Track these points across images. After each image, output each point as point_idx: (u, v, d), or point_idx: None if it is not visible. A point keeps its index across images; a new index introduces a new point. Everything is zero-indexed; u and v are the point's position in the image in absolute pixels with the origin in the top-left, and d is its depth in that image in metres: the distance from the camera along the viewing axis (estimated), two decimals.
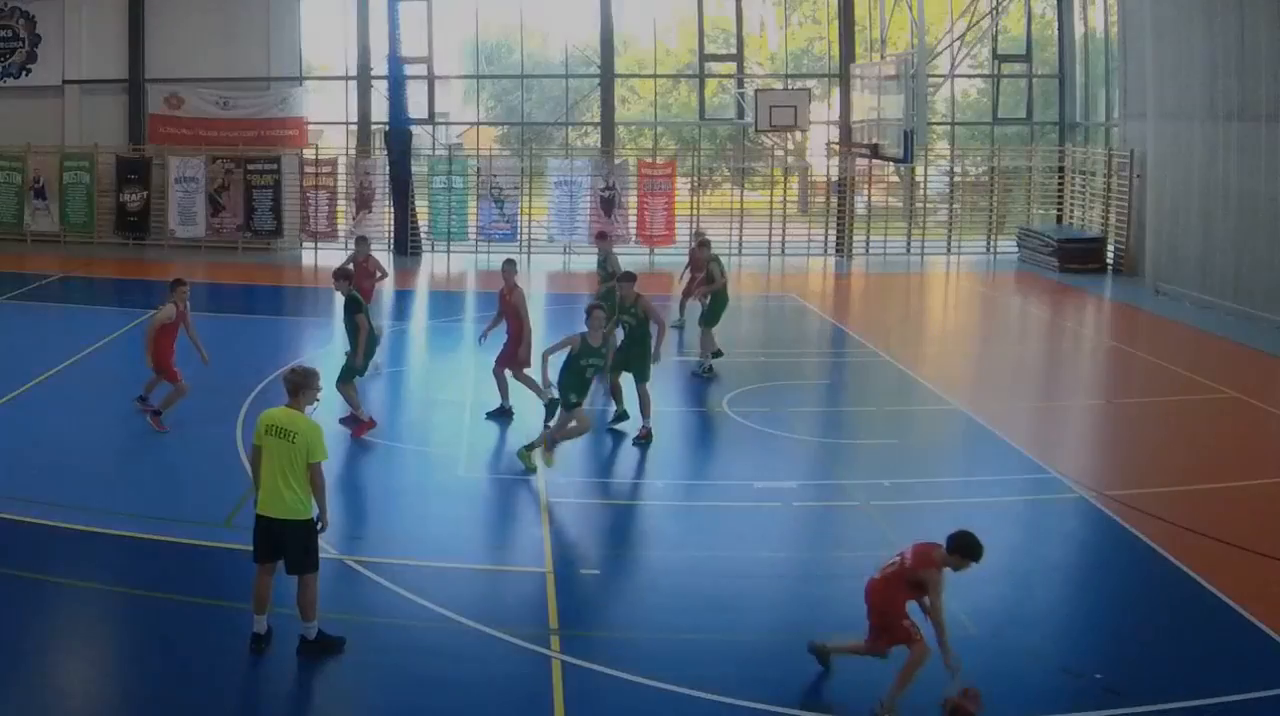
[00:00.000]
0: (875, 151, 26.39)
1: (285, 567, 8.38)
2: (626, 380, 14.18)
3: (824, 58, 32.66)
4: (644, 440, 13.62)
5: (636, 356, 13.99)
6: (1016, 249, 30.17)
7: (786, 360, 18.81)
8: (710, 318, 17.32)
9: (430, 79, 30.31)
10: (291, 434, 8.26)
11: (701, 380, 16.71)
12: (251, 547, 8.46)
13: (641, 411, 13.79)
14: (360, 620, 8.96)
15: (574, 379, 12.26)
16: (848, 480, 12.35)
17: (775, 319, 23.81)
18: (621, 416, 14.22)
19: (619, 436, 13.96)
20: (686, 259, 19.67)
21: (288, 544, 8.31)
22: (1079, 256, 27.67)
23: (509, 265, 14.95)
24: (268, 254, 29.58)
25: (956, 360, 19.56)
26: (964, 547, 7.78)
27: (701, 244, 18.58)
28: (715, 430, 14.84)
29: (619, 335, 13.87)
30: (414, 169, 29.82)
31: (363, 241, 17.86)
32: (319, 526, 8.46)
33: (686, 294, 19.20)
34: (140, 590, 9.52)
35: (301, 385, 8.48)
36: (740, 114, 30.79)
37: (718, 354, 17.33)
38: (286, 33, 30.24)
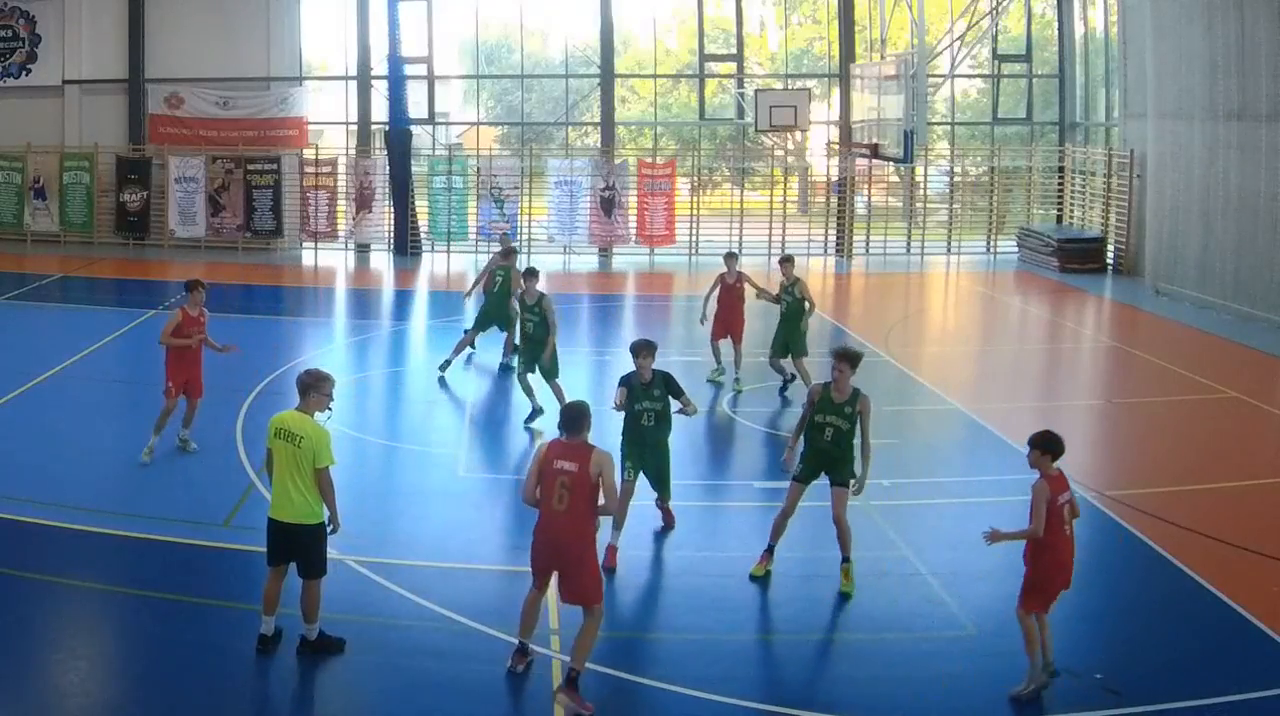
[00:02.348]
0: (875, 151, 26.39)
1: (296, 570, 8.40)
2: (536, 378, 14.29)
3: (824, 58, 32.66)
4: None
5: (539, 356, 14.13)
6: (1016, 249, 30.18)
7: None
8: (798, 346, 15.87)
9: (430, 79, 30.32)
10: (298, 438, 8.26)
11: (724, 390, 16.05)
12: (261, 548, 8.48)
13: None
14: (360, 620, 8.96)
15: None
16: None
17: (775, 319, 23.77)
18: (536, 413, 14.12)
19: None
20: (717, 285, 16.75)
21: (296, 547, 8.32)
22: (1079, 256, 27.69)
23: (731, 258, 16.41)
24: (268, 254, 29.59)
25: (956, 360, 19.56)
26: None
27: (786, 260, 16.59)
28: (715, 430, 14.83)
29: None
30: (414, 169, 29.82)
31: (196, 288, 13.04)
32: (330, 529, 8.46)
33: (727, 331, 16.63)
34: (140, 590, 9.51)
35: (310, 386, 8.48)
36: (740, 114, 30.79)
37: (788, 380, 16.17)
38: (286, 33, 30.24)
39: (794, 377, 15.97)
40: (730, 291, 16.42)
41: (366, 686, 8.20)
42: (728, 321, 16.47)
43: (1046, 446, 8.04)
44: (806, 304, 15.88)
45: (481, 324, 17.38)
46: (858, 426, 9.84)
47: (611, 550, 10.09)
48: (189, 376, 12.82)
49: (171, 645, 8.53)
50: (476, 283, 18.13)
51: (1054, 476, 8.02)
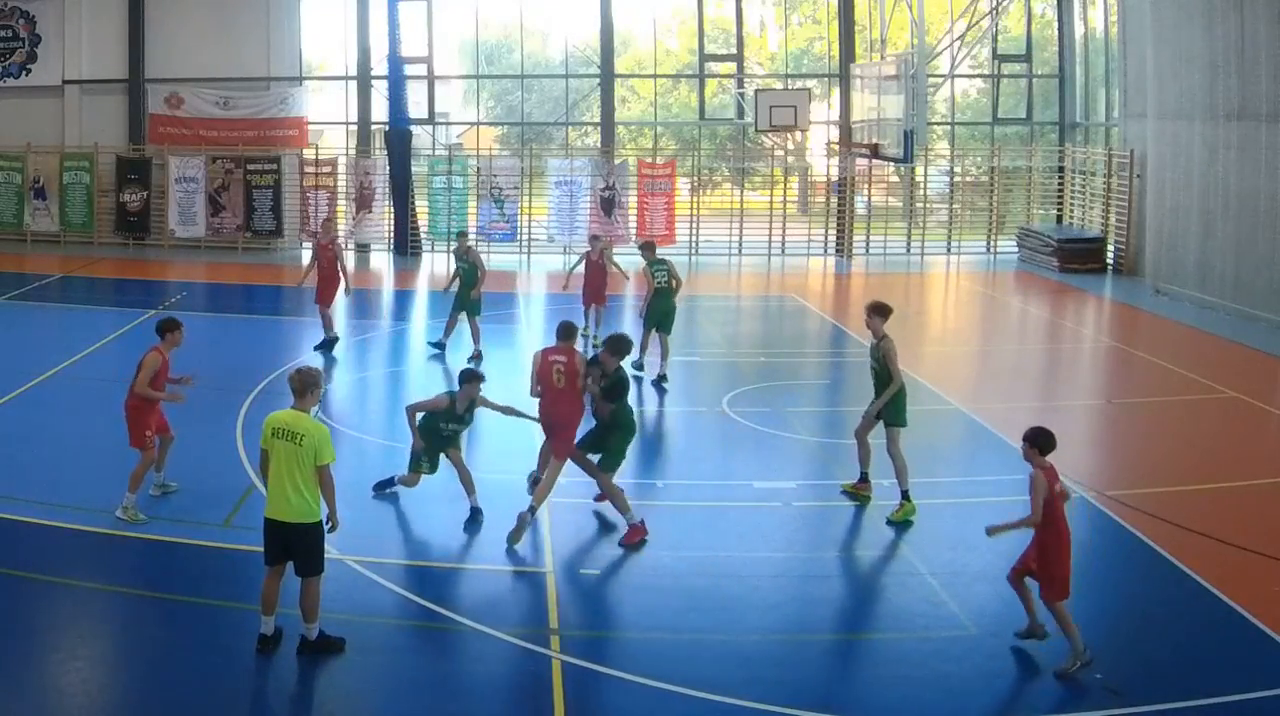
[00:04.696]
0: (875, 151, 26.39)
1: (293, 569, 8.39)
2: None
3: (824, 58, 32.67)
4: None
5: (470, 297, 17.93)
6: (1016, 249, 30.18)
7: (786, 360, 18.80)
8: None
9: (430, 79, 30.33)
10: (298, 436, 8.24)
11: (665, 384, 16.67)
12: (260, 549, 8.47)
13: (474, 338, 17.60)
14: (360, 620, 8.95)
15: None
16: (847, 480, 12.34)
17: (775, 319, 23.81)
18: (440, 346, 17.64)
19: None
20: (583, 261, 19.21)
21: (294, 547, 8.30)
22: (1079, 256, 27.68)
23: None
24: (268, 254, 29.59)
25: (956, 360, 19.55)
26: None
27: (646, 247, 18.00)
28: (715, 430, 14.83)
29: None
30: (414, 169, 29.83)
31: (178, 328, 11.37)
32: (329, 527, 8.45)
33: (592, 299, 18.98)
34: (140, 590, 9.52)
35: (310, 385, 8.47)
36: (740, 114, 30.79)
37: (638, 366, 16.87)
38: (286, 33, 30.25)
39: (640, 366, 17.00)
40: (594, 266, 18.90)
41: (366, 686, 8.20)
42: (592, 291, 18.96)
43: (1037, 442, 8.47)
44: (673, 283, 17.35)
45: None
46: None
47: (635, 530, 10.77)
48: (160, 419, 11.38)
49: (171, 645, 8.52)
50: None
51: (1046, 468, 8.41)
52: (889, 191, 34.06)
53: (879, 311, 11.88)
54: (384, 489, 11.77)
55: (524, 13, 31.34)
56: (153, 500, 11.35)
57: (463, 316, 18.16)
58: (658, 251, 18.07)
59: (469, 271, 18.20)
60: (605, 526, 11.49)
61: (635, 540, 10.75)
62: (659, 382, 16.69)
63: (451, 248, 19.57)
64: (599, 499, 11.43)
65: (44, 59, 30.03)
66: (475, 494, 11.32)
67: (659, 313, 17.04)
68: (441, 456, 11.44)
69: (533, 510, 10.60)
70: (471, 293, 18.12)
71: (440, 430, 11.30)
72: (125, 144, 30.19)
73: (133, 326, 19.87)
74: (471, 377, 11.33)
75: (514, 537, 10.49)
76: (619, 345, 11.15)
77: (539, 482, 11.09)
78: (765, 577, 10.08)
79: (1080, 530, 11.34)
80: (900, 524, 11.19)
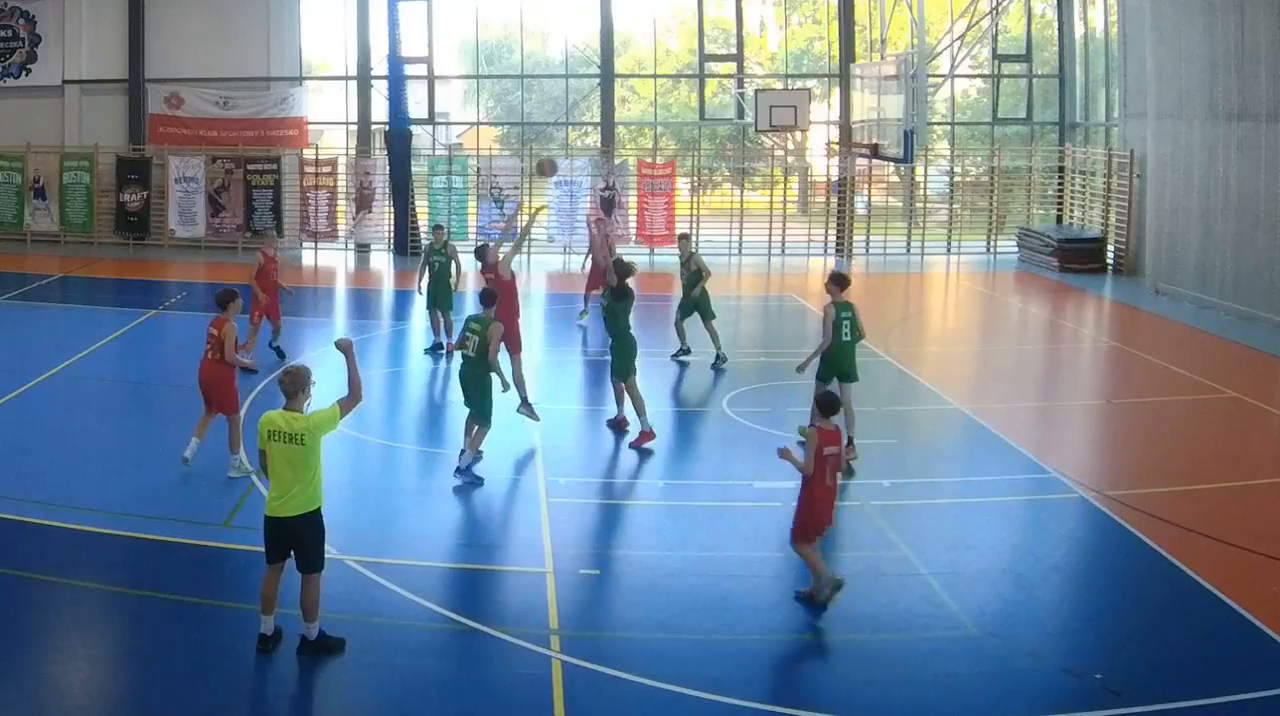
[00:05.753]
0: (875, 151, 26.37)
1: (295, 564, 8.40)
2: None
3: (824, 58, 32.67)
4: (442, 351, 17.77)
5: (443, 291, 18.26)
6: (1016, 249, 30.17)
7: (786, 360, 18.76)
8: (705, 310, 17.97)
9: (430, 79, 30.33)
10: (298, 436, 8.25)
11: (708, 372, 17.40)
12: (261, 548, 8.49)
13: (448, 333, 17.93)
14: (360, 620, 8.96)
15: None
16: (847, 480, 12.34)
17: (775, 319, 23.81)
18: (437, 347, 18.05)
19: (619, 434, 13.95)
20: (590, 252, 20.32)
21: (295, 541, 8.32)
22: (1079, 256, 27.68)
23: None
24: None
25: (956, 360, 19.55)
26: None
27: (683, 237, 19.48)
28: (715, 430, 14.83)
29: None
30: (414, 169, 29.82)
31: (234, 296, 12.61)
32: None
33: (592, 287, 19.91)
34: (140, 590, 9.51)
35: (300, 386, 8.49)
36: (740, 114, 30.79)
37: (686, 352, 17.97)
38: (286, 33, 30.23)
39: (689, 351, 17.97)
40: (600, 247, 18.90)
41: (366, 686, 8.20)
42: (598, 276, 18.66)
43: (820, 403, 9.79)
44: (702, 273, 18.00)
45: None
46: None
47: (644, 434, 13.26)
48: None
49: (172, 645, 8.52)
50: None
51: (827, 430, 9.36)
52: (889, 191, 34.06)
53: (833, 280, 13.25)
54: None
55: (524, 13, 31.33)
56: (153, 499, 11.36)
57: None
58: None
59: (444, 264, 18.19)
60: (605, 524, 11.51)
61: (643, 443, 13.13)
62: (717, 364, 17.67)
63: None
64: (614, 422, 13.74)
65: (44, 59, 30.02)
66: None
67: (708, 299, 17.93)
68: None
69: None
70: (448, 285, 18.12)
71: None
72: (125, 144, 30.18)
73: (133, 326, 19.89)
74: (493, 297, 12.63)
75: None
76: (625, 268, 13.74)
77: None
78: (765, 577, 10.08)
79: (1080, 530, 11.42)
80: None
